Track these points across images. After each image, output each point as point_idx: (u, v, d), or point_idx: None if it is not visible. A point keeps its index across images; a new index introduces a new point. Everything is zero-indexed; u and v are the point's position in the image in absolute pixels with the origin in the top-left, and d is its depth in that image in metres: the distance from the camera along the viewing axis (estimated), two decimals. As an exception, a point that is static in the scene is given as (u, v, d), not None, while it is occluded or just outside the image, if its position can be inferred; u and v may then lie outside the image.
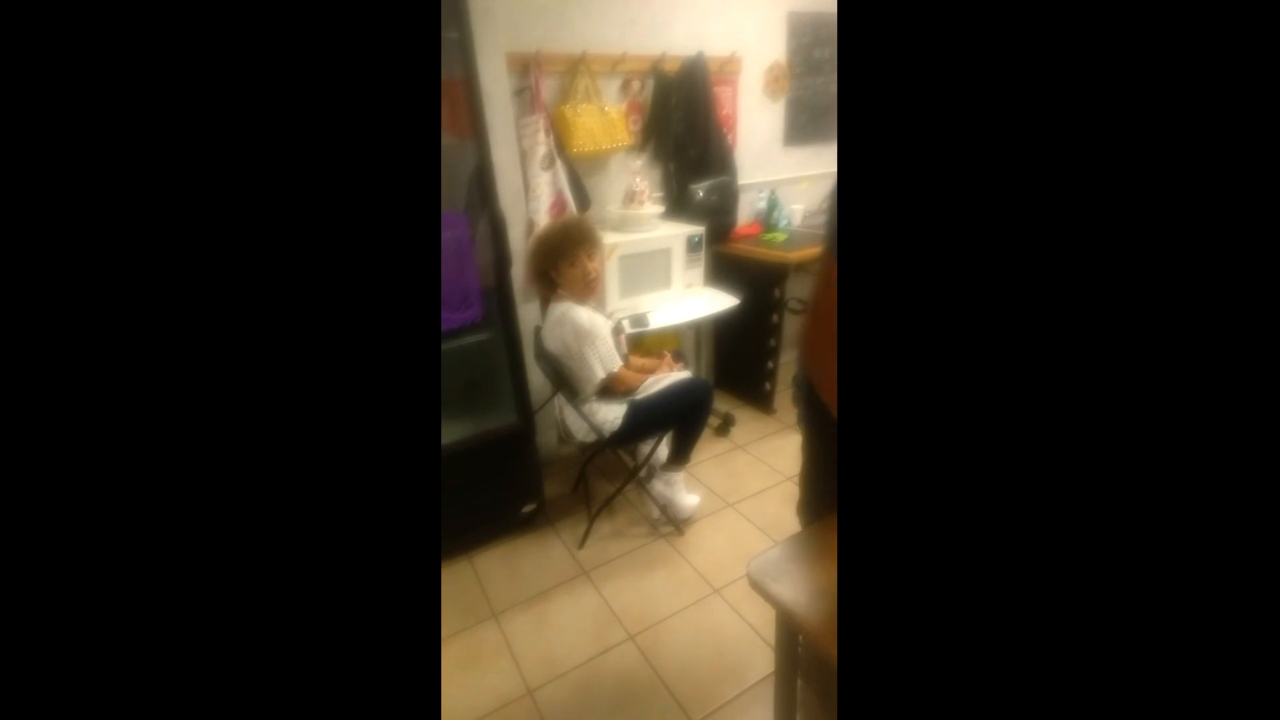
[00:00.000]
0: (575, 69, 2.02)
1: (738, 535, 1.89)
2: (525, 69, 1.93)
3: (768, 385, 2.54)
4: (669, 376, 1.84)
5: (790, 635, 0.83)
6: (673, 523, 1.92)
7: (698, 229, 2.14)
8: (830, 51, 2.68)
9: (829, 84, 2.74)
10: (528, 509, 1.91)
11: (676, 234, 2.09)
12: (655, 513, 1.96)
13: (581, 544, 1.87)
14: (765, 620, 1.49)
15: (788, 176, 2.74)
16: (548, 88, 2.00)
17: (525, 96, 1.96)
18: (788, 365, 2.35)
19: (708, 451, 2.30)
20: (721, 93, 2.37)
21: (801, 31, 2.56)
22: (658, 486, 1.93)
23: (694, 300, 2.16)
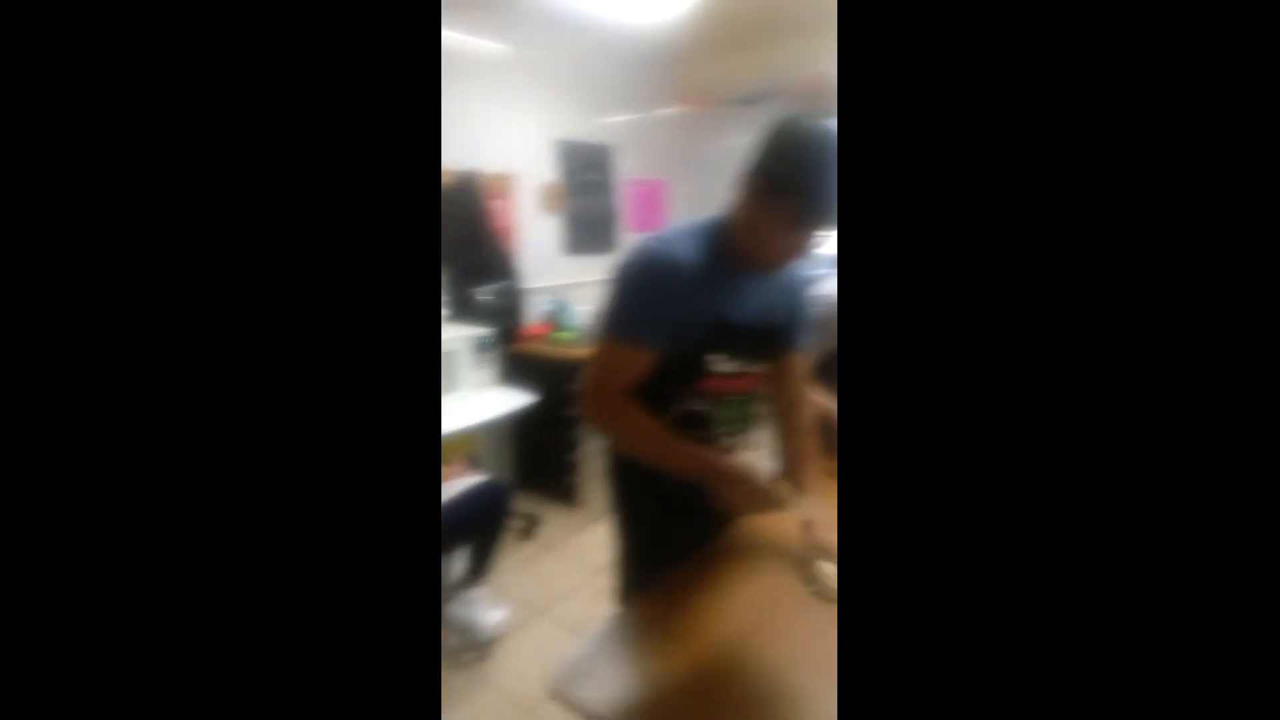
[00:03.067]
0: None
1: (550, 645, 1.76)
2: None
3: (572, 477, 2.53)
4: (457, 483, 1.72)
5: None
6: (474, 648, 1.71)
7: (486, 331, 2.14)
8: (599, 175, 3.03)
9: (601, 203, 3.06)
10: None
11: (459, 335, 2.07)
12: (453, 641, 1.74)
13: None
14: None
15: (572, 281, 2.92)
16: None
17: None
18: (591, 454, 2.38)
19: (512, 558, 2.16)
20: (498, 205, 2.49)
21: (572, 157, 2.87)
22: (454, 610, 1.73)
23: (486, 400, 2.10)
